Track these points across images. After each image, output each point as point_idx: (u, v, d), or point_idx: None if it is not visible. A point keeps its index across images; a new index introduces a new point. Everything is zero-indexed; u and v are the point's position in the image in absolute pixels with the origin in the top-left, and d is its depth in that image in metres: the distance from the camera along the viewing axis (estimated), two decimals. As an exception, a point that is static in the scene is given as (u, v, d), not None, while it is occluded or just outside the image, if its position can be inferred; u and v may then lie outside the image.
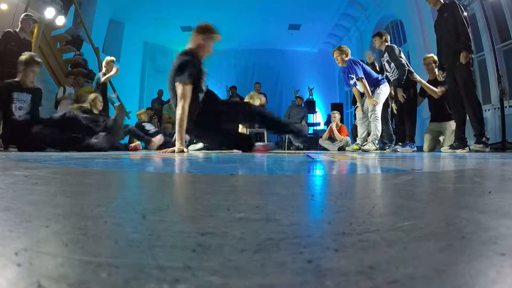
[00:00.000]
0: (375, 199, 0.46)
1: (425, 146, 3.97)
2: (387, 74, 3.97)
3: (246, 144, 2.82)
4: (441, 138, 3.94)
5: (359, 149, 3.88)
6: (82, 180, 0.71)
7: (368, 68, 3.93)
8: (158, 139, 4.03)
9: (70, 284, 0.17)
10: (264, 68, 10.17)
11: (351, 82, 3.86)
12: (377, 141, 3.77)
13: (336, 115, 5.86)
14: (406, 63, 3.75)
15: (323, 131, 7.30)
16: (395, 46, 3.84)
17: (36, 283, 0.17)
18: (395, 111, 4.06)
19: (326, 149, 5.64)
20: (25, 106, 3.19)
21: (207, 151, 3.33)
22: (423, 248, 0.23)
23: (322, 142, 5.91)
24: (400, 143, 3.88)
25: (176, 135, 2.49)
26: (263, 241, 0.24)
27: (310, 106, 9.11)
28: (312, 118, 9.31)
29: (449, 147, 3.44)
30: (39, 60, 3.42)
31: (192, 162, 1.50)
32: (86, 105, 3.96)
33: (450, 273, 0.19)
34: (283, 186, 0.62)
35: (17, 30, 3.88)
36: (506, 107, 4.01)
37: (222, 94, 8.61)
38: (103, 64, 4.91)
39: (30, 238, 0.25)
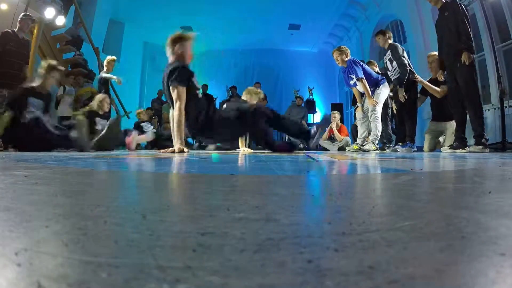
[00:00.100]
0: (375, 199, 0.46)
1: (425, 146, 3.96)
2: (388, 72, 3.95)
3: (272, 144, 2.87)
4: (441, 138, 3.94)
5: (359, 149, 3.88)
6: (82, 180, 0.71)
7: (368, 68, 3.93)
8: (133, 136, 3.86)
9: (70, 284, 0.17)
10: (264, 68, 10.18)
11: (351, 82, 3.86)
12: (377, 141, 3.77)
13: (336, 115, 5.86)
14: (408, 63, 3.74)
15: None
16: (399, 45, 3.82)
17: (36, 283, 0.17)
18: (395, 111, 4.06)
19: (326, 149, 5.64)
20: (36, 111, 3.17)
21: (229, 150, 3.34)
22: (423, 248, 0.23)
23: (322, 142, 5.91)
24: (400, 143, 3.88)
25: (176, 136, 2.49)
26: (263, 241, 0.24)
27: (310, 106, 9.11)
28: (312, 118, 9.31)
29: (449, 147, 3.44)
30: (61, 68, 3.49)
31: (192, 162, 1.50)
32: (94, 107, 4.05)
33: (450, 273, 0.19)
34: (283, 186, 0.62)
35: (16, 30, 3.87)
36: (506, 107, 4.01)
37: (222, 94, 8.64)
38: (104, 63, 4.92)
39: (30, 238, 0.25)
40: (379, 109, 3.73)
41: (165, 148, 2.59)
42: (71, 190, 0.55)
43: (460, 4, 3.23)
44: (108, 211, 0.35)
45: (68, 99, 5.07)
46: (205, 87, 7.63)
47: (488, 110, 4.49)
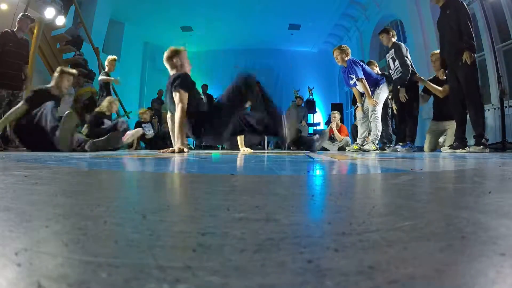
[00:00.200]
0: (375, 199, 0.46)
1: (426, 146, 3.96)
2: (390, 71, 3.95)
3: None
4: (441, 138, 3.93)
5: (359, 149, 3.88)
6: (82, 180, 0.71)
7: (368, 68, 3.93)
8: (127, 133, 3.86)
9: (70, 284, 0.17)
10: (264, 68, 10.18)
11: (351, 82, 3.86)
12: (377, 141, 3.77)
13: (336, 115, 5.86)
14: (411, 64, 3.73)
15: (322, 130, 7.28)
16: (403, 45, 3.81)
17: (36, 283, 0.17)
18: (395, 111, 4.06)
19: (326, 149, 5.64)
20: (47, 113, 3.17)
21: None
22: (423, 248, 0.23)
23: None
24: (400, 143, 3.88)
25: (176, 136, 2.50)
26: (263, 241, 0.24)
27: (310, 106, 9.12)
28: (312, 118, 9.31)
29: (449, 147, 3.43)
30: (72, 71, 3.63)
31: (192, 162, 1.50)
32: (104, 108, 4.22)
33: (450, 273, 0.19)
34: (283, 186, 0.62)
35: (15, 30, 3.87)
36: (506, 107, 4.01)
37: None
38: (105, 63, 4.93)
39: (30, 238, 0.25)
40: (379, 109, 3.73)
41: (165, 148, 2.60)
42: (71, 190, 0.55)
43: (462, 2, 3.21)
44: (108, 211, 0.35)
45: (68, 99, 5.07)
46: (205, 87, 7.63)
47: (488, 110, 4.49)
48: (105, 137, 3.27)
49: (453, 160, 1.67)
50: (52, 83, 3.48)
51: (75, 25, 6.31)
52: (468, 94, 3.16)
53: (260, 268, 0.19)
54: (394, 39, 3.89)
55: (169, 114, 2.88)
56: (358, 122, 4.10)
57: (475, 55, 3.15)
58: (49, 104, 3.13)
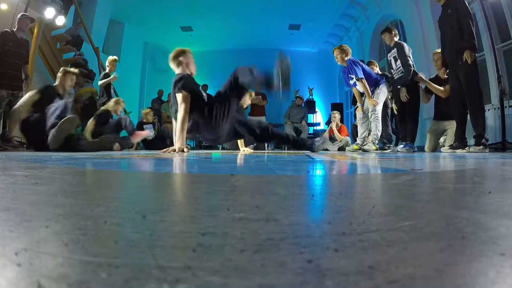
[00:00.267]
0: (375, 199, 0.46)
1: (427, 146, 3.96)
2: (391, 71, 3.94)
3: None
4: (442, 138, 3.93)
5: (359, 149, 3.88)
6: (82, 180, 0.71)
7: (368, 68, 3.93)
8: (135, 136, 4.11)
9: (70, 284, 0.17)
10: (264, 68, 10.16)
11: (351, 82, 3.86)
12: (377, 141, 3.77)
13: (336, 115, 5.86)
14: (413, 64, 3.73)
15: (323, 131, 7.30)
16: (406, 45, 3.80)
17: (36, 283, 0.17)
18: (395, 111, 4.05)
19: (326, 149, 5.64)
20: (55, 111, 3.18)
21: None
22: (423, 248, 0.23)
23: (322, 142, 5.91)
24: (400, 143, 3.88)
25: (177, 136, 2.51)
26: (263, 241, 0.24)
27: (310, 106, 9.11)
28: (312, 118, 9.31)
29: (449, 147, 3.43)
30: (75, 70, 3.73)
31: (192, 162, 1.50)
32: (110, 107, 4.35)
33: (450, 273, 0.19)
34: (283, 186, 0.62)
35: (15, 30, 3.87)
36: (506, 107, 4.00)
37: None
38: (106, 63, 4.94)
39: (30, 238, 0.25)
40: (379, 109, 3.73)
41: (165, 148, 2.60)
42: (71, 190, 0.55)
43: (463, 0, 3.19)
44: (108, 211, 0.35)
45: (68, 99, 5.08)
46: (205, 87, 7.63)
47: (488, 110, 4.49)
48: (98, 139, 3.33)
49: (453, 160, 1.67)
50: (56, 82, 3.57)
51: (75, 25, 6.30)
52: (468, 93, 3.15)
53: (260, 268, 0.19)
54: (396, 39, 3.88)
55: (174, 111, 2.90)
56: (358, 122, 4.10)
57: (476, 55, 3.14)
58: (63, 102, 3.19)
